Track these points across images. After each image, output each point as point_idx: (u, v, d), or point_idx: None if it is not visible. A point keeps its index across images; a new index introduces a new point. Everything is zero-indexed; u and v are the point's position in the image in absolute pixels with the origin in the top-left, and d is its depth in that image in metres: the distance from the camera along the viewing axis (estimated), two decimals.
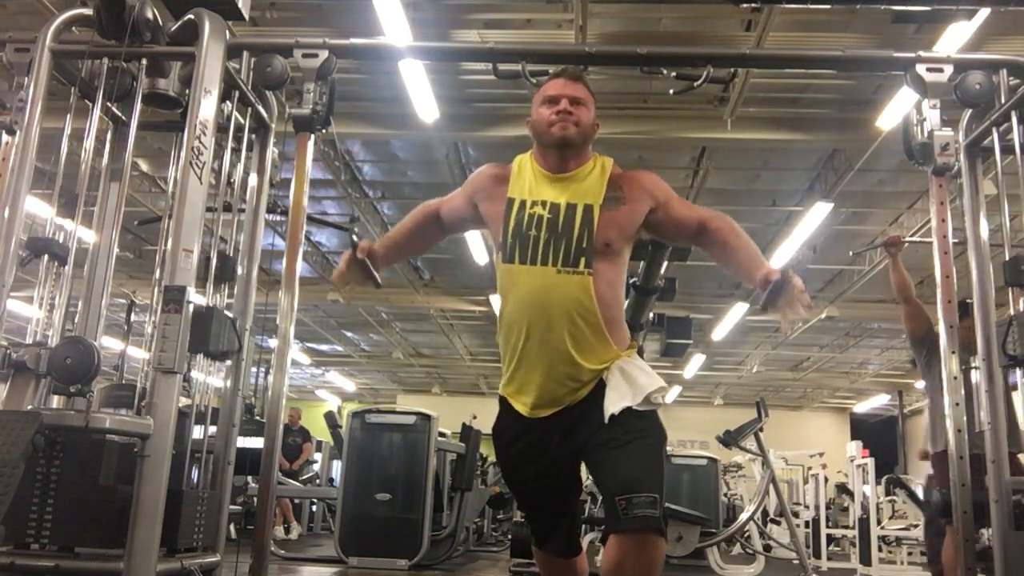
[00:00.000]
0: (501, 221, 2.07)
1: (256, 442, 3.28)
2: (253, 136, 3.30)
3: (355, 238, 2.19)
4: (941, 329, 2.99)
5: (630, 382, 1.99)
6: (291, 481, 9.00)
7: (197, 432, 2.90)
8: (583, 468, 2.22)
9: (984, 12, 5.18)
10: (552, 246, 2.01)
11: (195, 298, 2.61)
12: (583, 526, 6.74)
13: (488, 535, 9.75)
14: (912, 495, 6.77)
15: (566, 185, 2.08)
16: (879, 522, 7.84)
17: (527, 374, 2.05)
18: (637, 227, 2.11)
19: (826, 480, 9.72)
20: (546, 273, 2.00)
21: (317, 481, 10.25)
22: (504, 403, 2.15)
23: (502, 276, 2.08)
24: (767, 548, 7.72)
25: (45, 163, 2.95)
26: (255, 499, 3.60)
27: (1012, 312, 2.81)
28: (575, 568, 2.22)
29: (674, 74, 3.21)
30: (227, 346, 2.77)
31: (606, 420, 1.96)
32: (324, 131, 3.16)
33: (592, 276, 2.00)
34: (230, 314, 2.95)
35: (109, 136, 3.14)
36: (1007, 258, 2.86)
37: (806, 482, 10.92)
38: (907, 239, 4.82)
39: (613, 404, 1.96)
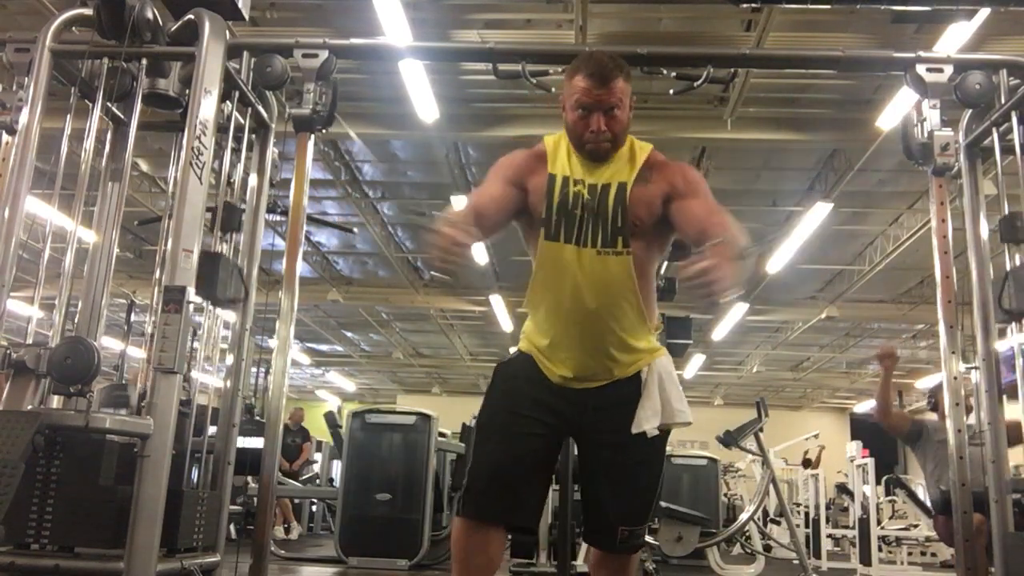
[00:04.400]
0: (543, 195, 2.04)
1: (256, 442, 3.28)
2: (253, 136, 3.30)
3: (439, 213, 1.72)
4: (941, 329, 3.00)
5: (664, 400, 2.02)
6: (291, 481, 8.99)
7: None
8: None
9: (984, 12, 5.17)
10: (592, 226, 2.00)
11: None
12: (584, 526, 6.73)
13: None
14: (912, 495, 6.77)
15: (604, 167, 2.06)
16: (879, 522, 7.83)
17: (560, 350, 2.04)
18: (660, 209, 2.04)
19: (821, 450, 9.70)
20: (589, 254, 1.99)
21: (317, 481, 10.24)
22: (528, 359, 2.08)
23: (543, 251, 2.03)
24: (767, 548, 7.72)
25: (45, 163, 2.95)
26: (255, 499, 3.60)
27: (1008, 267, 2.83)
28: (497, 545, 1.99)
29: (674, 74, 3.21)
30: (233, 293, 2.78)
31: (634, 431, 1.98)
32: (324, 131, 3.16)
33: (631, 255, 2.00)
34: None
35: (109, 136, 3.14)
36: (1008, 271, 2.86)
37: (809, 470, 10.91)
38: (899, 353, 4.78)
39: (646, 419, 1.99)
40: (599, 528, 2.06)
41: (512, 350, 2.18)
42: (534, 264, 2.08)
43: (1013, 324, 2.82)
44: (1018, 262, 2.87)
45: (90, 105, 2.96)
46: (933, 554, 8.60)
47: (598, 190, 2.03)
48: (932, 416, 4.91)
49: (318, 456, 11.25)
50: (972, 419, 3.18)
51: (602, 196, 2.02)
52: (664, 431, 2.03)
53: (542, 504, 2.08)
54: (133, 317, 5.23)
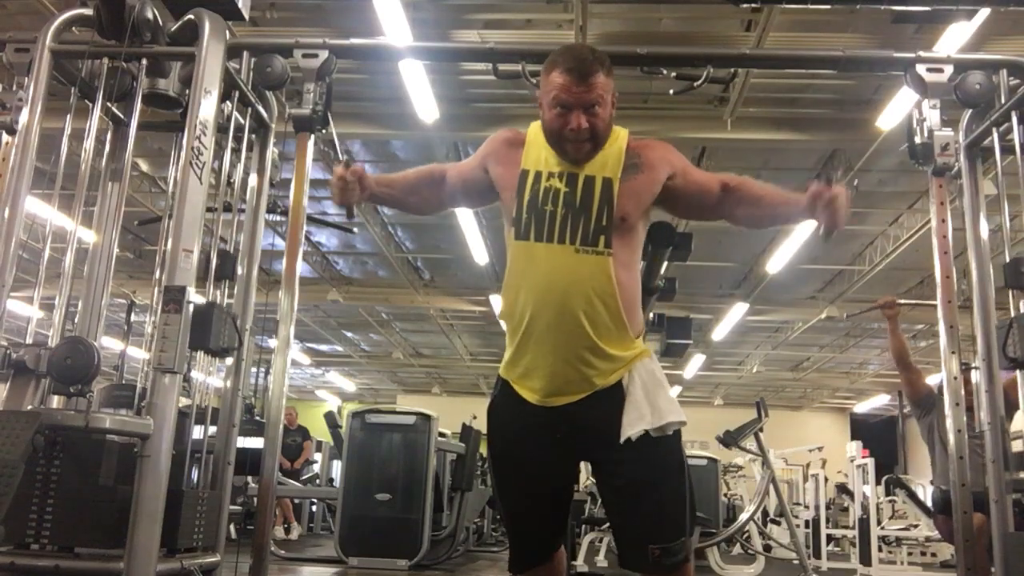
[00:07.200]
0: (515, 191, 1.95)
1: (256, 442, 3.27)
2: (253, 136, 3.30)
3: (343, 156, 2.08)
4: (941, 329, 2.99)
5: (651, 403, 1.90)
6: (291, 481, 9.00)
7: (197, 432, 2.90)
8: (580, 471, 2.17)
9: (984, 12, 5.17)
10: (570, 222, 1.88)
11: (195, 297, 2.61)
12: (583, 526, 6.74)
13: (488, 535, 9.75)
14: (912, 495, 6.76)
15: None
16: (879, 522, 7.83)
17: (537, 358, 1.92)
18: (655, 196, 1.97)
19: (826, 480, 9.71)
20: (564, 251, 1.88)
21: (317, 481, 10.25)
22: (506, 386, 2.00)
23: (514, 252, 1.94)
24: (767, 548, 7.72)
25: (45, 163, 2.95)
26: (255, 499, 3.60)
27: (1012, 314, 2.81)
28: (556, 567, 2.09)
29: (674, 74, 3.21)
30: (227, 343, 2.77)
31: (621, 440, 1.87)
32: (324, 131, 3.16)
33: (612, 256, 1.88)
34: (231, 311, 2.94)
35: (109, 136, 3.14)
36: (1007, 260, 2.85)
37: (806, 480, 10.91)
38: (902, 302, 4.81)
39: (630, 426, 1.87)
40: (628, 550, 1.93)
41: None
42: (507, 263, 1.98)
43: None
44: (1023, 309, 2.81)
45: (90, 105, 2.96)
46: (933, 554, 8.60)
47: (579, 182, 1.92)
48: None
49: (318, 456, 11.26)
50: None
51: (585, 190, 1.91)
52: (665, 436, 1.90)
53: (569, 515, 2.14)
54: (133, 317, 5.23)
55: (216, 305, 2.76)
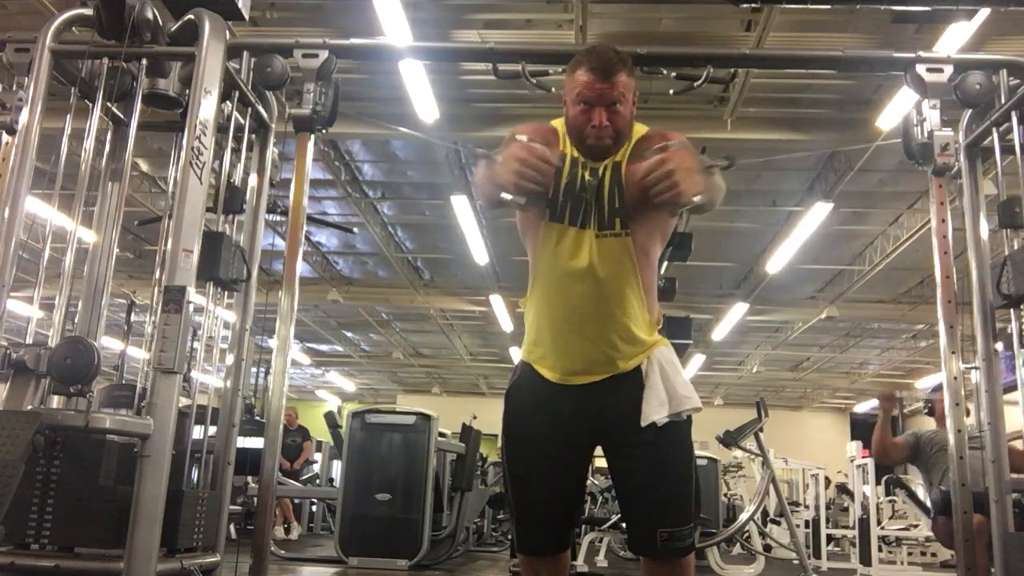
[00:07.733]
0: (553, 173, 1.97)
1: (256, 442, 3.28)
2: (253, 136, 3.30)
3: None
4: (941, 329, 3.00)
5: (670, 389, 1.97)
6: (291, 481, 9.00)
7: (197, 432, 2.90)
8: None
9: (984, 12, 5.17)
10: (593, 208, 1.97)
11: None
12: (583, 526, 6.74)
13: (488, 535, 9.74)
14: (912, 495, 6.76)
15: None
16: (879, 522, 7.82)
17: (560, 337, 2.00)
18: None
19: (827, 481, 9.71)
20: (589, 236, 1.97)
21: (317, 481, 10.24)
22: (527, 368, 2.07)
23: (545, 233, 2.01)
24: (767, 548, 7.72)
25: (45, 163, 2.95)
26: (255, 499, 3.60)
27: (1006, 252, 2.83)
28: (561, 566, 2.12)
29: (674, 74, 3.21)
30: (236, 274, 2.78)
31: (643, 424, 1.93)
32: (324, 131, 3.16)
33: (630, 237, 1.97)
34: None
35: (109, 136, 3.14)
36: (1007, 256, 2.86)
37: (806, 489, 10.91)
38: (900, 395, 4.82)
39: (653, 411, 1.94)
40: (638, 534, 2.00)
41: (513, 350, 2.16)
42: (535, 248, 2.04)
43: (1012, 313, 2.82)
44: (1016, 247, 2.87)
45: (90, 105, 2.96)
46: (933, 554, 8.59)
47: (599, 170, 2.00)
48: (927, 425, 4.90)
49: (318, 456, 11.26)
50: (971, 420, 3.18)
51: (602, 176, 1.99)
52: (680, 421, 1.97)
53: (581, 509, 2.11)
54: (133, 317, 5.24)
55: (225, 235, 2.77)
